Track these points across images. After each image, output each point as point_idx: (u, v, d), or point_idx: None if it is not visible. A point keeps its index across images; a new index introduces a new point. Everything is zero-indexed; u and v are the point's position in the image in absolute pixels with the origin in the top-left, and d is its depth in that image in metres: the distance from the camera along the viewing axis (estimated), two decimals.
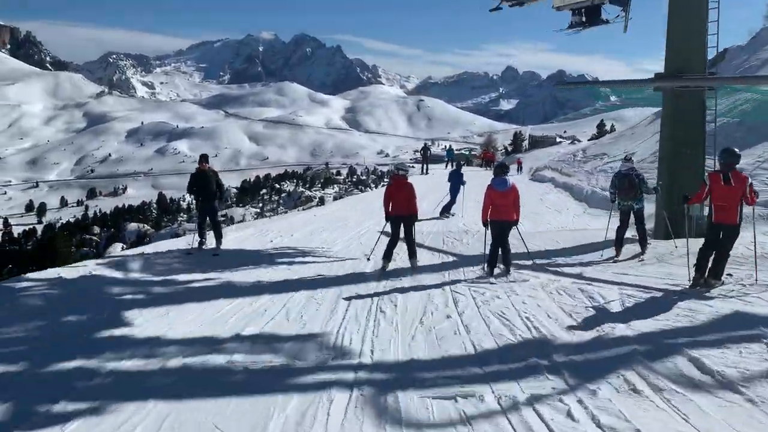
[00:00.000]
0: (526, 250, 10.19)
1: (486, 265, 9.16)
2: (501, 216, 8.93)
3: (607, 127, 50.22)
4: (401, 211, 9.65)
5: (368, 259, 10.61)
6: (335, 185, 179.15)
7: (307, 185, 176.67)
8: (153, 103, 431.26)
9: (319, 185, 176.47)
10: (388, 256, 9.69)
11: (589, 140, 40.91)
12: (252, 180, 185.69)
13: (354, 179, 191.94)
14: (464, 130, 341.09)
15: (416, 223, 10.31)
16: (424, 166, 34.95)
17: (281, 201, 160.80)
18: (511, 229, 9.24)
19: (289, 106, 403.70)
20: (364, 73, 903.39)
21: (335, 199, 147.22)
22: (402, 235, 9.81)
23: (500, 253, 9.13)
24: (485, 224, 9.19)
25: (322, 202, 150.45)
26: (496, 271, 9.17)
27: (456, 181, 17.91)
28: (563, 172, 23.48)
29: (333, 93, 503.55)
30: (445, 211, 17.50)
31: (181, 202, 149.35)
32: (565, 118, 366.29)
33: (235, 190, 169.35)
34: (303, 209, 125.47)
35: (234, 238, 14.16)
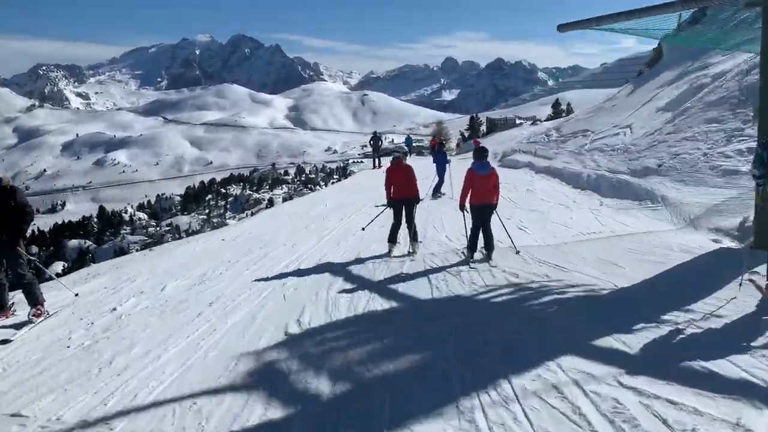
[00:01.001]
0: (513, 246, 9.55)
1: (466, 249, 9.06)
2: (483, 200, 8.76)
3: (563, 107, 49.50)
4: (402, 194, 9.59)
5: (363, 229, 11.00)
6: (284, 186, 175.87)
7: (255, 188, 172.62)
8: (88, 114, 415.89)
9: (267, 187, 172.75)
10: (393, 239, 9.71)
11: (545, 121, 39.52)
12: (196, 186, 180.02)
13: (303, 178, 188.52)
14: (410, 122, 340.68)
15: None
16: (375, 159, 29.64)
17: (228, 206, 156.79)
18: (492, 213, 9.08)
19: (230, 108, 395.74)
20: (305, 71, 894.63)
21: (284, 200, 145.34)
22: (404, 218, 9.77)
23: (483, 236, 8.99)
24: (462, 208, 9.06)
25: (271, 203, 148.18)
26: (477, 255, 9.04)
27: (441, 161, 18.32)
28: (540, 154, 21.51)
29: (275, 92, 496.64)
30: (437, 191, 17.71)
31: (123, 214, 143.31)
32: (506, 104, 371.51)
33: (179, 198, 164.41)
34: (251, 213, 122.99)
35: (60, 303, 8.03)
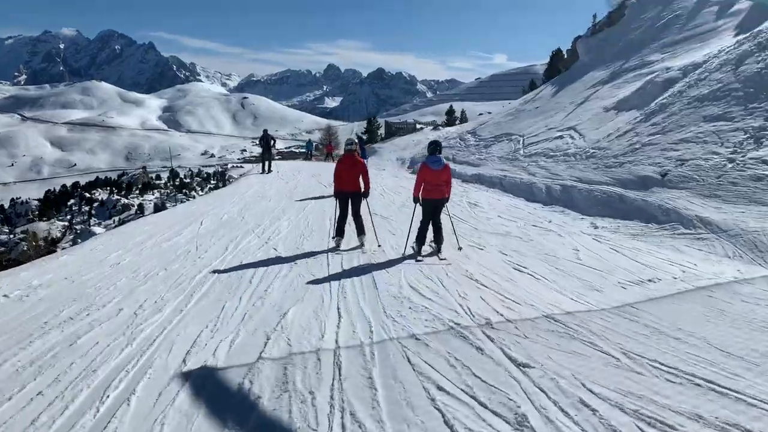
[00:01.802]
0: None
1: (415, 243, 8.75)
2: (435, 194, 8.68)
3: (457, 114, 48.23)
4: (349, 188, 9.35)
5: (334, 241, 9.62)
6: (155, 191, 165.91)
7: (123, 192, 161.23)
8: None
9: (137, 192, 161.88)
10: (340, 232, 9.38)
11: (433, 129, 37.59)
12: (57, 190, 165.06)
13: (177, 183, 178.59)
14: (292, 127, 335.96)
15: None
16: (265, 163, 25.07)
17: (93, 211, 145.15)
18: (443, 207, 8.97)
19: (97, 107, 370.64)
20: (181, 71, 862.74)
21: (156, 209, 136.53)
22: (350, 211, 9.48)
23: (433, 230, 8.87)
24: (416, 200, 8.86)
25: (141, 210, 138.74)
26: (427, 249, 8.90)
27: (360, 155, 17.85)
28: (462, 160, 19.11)
29: (148, 92, 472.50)
30: None
31: None
32: (387, 113, 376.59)
33: (36, 203, 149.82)
34: (119, 221, 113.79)
35: None
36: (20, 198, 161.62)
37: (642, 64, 17.20)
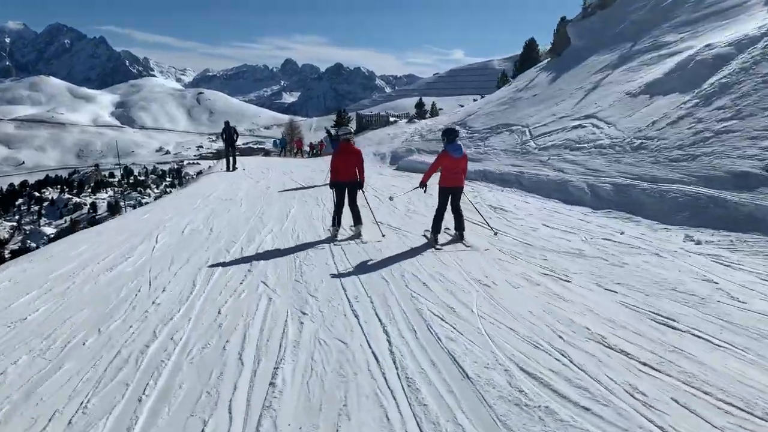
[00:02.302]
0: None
1: (432, 232, 8.44)
2: (454, 182, 8.46)
3: (427, 107, 46.12)
4: (347, 178, 9.09)
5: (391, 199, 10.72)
6: (109, 189, 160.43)
7: (75, 191, 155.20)
8: None
9: (89, 190, 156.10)
10: (337, 222, 9.13)
11: (408, 121, 35.01)
12: (5, 189, 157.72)
13: (131, 180, 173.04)
14: (250, 123, 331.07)
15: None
16: (230, 159, 22.57)
17: (43, 211, 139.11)
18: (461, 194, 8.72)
19: (46, 102, 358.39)
20: (134, 66, 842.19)
21: (110, 210, 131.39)
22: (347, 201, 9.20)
23: (454, 217, 8.62)
24: (423, 186, 8.67)
25: (94, 208, 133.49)
26: (446, 237, 8.59)
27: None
28: None
29: (99, 88, 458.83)
30: None
31: None
32: (347, 108, 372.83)
33: None
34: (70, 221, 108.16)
35: None
36: None
37: (657, 46, 15.37)
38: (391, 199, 10.56)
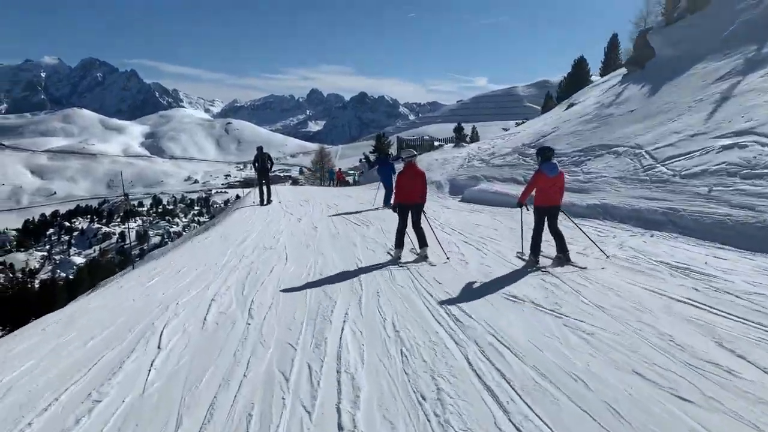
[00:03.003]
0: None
1: (531, 254, 8.12)
2: (550, 201, 8.14)
3: (467, 131, 43.04)
4: (411, 199, 9.12)
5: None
6: (137, 218, 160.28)
7: (105, 220, 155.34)
8: None
9: (119, 219, 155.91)
10: (400, 243, 9.16)
11: (455, 146, 31.87)
12: (37, 219, 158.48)
13: (160, 210, 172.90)
14: (277, 151, 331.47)
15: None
16: (263, 187, 19.57)
17: (73, 241, 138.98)
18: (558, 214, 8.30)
19: (78, 134, 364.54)
20: (163, 97, 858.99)
21: (138, 237, 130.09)
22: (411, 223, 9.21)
23: (554, 239, 8.13)
24: (520, 205, 8.57)
25: (123, 238, 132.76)
26: (546, 261, 8.04)
27: (386, 171, 18.20)
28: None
29: (130, 119, 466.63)
30: (387, 202, 17.66)
31: None
32: (371, 136, 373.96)
33: (14, 233, 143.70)
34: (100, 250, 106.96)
35: None
36: None
37: None
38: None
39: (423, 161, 26.17)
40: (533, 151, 16.91)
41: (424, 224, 9.22)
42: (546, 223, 8.23)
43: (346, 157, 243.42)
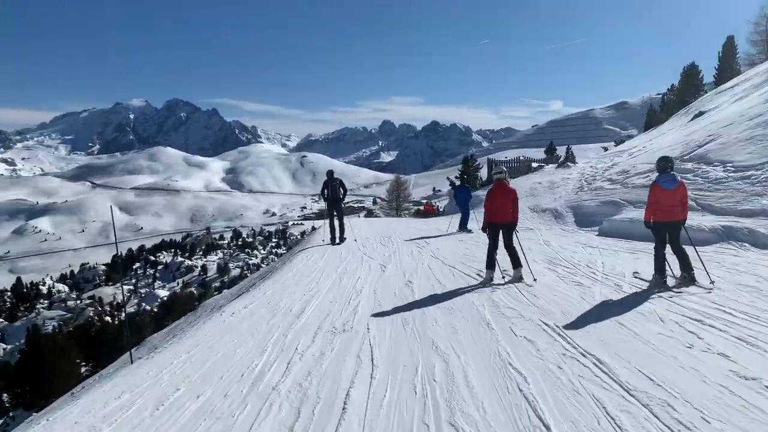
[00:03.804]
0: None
1: (655, 273, 7.87)
2: (670, 216, 7.82)
3: (559, 152, 40.80)
4: (502, 219, 9.08)
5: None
6: (218, 251, 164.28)
7: (187, 254, 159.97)
8: (9, 180, 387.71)
9: (201, 253, 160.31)
10: (491, 265, 9.14)
11: (558, 166, 28.59)
12: (124, 254, 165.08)
13: (239, 242, 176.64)
14: (350, 182, 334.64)
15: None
16: (334, 222, 16.57)
17: (158, 274, 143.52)
18: (680, 230, 8.00)
19: (163, 171, 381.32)
20: (243, 134, 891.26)
21: (219, 270, 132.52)
22: (502, 243, 9.20)
23: (677, 257, 7.87)
24: (648, 225, 8.10)
25: (204, 271, 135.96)
26: (672, 281, 7.83)
27: (463, 196, 19.10)
28: (741, 210, 11.31)
29: (212, 155, 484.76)
30: (463, 226, 18.36)
31: (41, 287, 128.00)
32: (443, 165, 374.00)
33: (104, 268, 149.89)
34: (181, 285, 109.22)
35: None
36: (88, 263, 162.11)
37: None
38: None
39: (524, 186, 24.17)
40: (692, 165, 14.84)
41: (515, 244, 9.15)
42: (669, 241, 7.91)
43: (420, 186, 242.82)
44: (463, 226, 18.47)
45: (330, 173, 16.53)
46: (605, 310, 6.81)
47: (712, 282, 7.49)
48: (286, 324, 7.51)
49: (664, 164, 7.90)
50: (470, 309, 7.47)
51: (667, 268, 7.84)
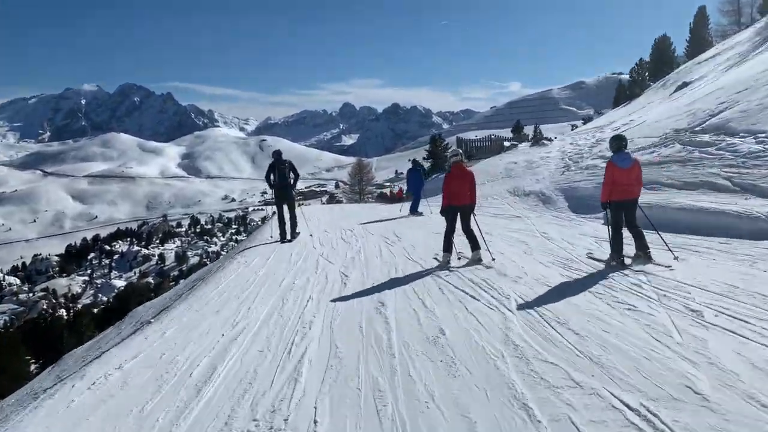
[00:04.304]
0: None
1: (612, 253, 7.87)
2: (627, 195, 7.86)
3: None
4: (461, 201, 8.91)
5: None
6: (176, 239, 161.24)
7: (144, 242, 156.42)
8: None
9: (158, 241, 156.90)
10: (449, 248, 8.89)
11: (533, 144, 26.78)
12: (79, 244, 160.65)
13: (198, 230, 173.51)
14: (312, 166, 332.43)
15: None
16: (283, 214, 13.48)
17: (114, 264, 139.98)
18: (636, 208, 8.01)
19: (117, 158, 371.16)
20: (199, 118, 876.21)
21: (177, 258, 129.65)
22: (461, 226, 9.02)
23: (633, 236, 7.83)
24: (605, 206, 8.09)
25: (162, 260, 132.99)
26: (628, 260, 7.67)
27: (415, 179, 18.85)
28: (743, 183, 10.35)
29: (167, 141, 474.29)
30: (414, 209, 18.26)
31: None
32: (405, 147, 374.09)
33: (57, 259, 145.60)
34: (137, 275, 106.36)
35: None
36: (40, 254, 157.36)
37: None
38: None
39: (498, 166, 23.10)
40: (710, 137, 13.36)
41: (473, 226, 9.07)
42: (625, 219, 7.92)
43: (382, 168, 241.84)
44: (414, 210, 18.36)
45: (277, 153, 13.68)
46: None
47: (676, 257, 7.65)
48: (170, 417, 4.18)
49: (619, 143, 8.02)
50: (484, 361, 4.70)
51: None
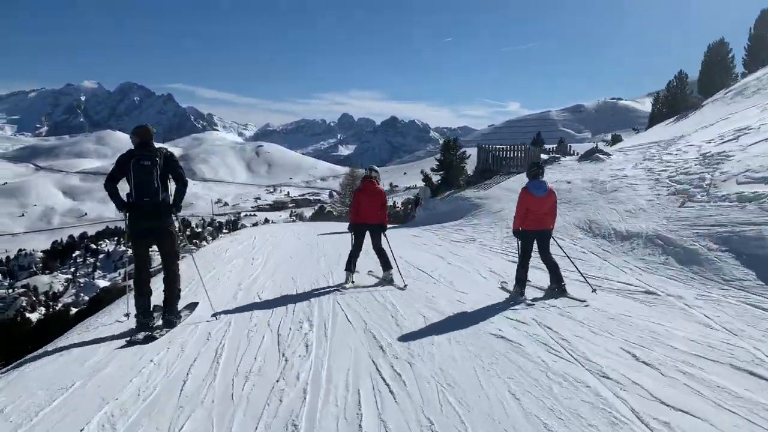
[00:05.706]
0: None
1: (516, 285, 7.55)
2: (540, 225, 7.62)
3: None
4: (369, 220, 8.58)
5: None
6: None
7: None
8: None
9: None
10: (351, 267, 8.56)
11: (581, 159, 19.59)
12: (65, 240, 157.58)
13: (188, 233, 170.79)
14: (306, 174, 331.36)
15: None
16: (147, 262, 6.75)
17: (98, 263, 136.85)
18: (550, 240, 7.82)
19: (111, 155, 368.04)
20: (198, 121, 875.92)
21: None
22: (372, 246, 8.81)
23: (547, 268, 7.76)
24: (517, 234, 7.78)
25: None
26: (536, 293, 7.65)
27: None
28: None
29: (164, 141, 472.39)
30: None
31: None
32: (401, 161, 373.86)
33: (41, 255, 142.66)
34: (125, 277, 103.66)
35: None
36: (25, 250, 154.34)
37: None
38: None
39: (507, 188, 19.00)
40: None
41: (385, 246, 8.76)
42: (538, 251, 7.75)
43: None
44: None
45: (141, 133, 6.40)
46: None
47: (594, 290, 7.57)
48: None
49: (536, 170, 7.70)
50: None
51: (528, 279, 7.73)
